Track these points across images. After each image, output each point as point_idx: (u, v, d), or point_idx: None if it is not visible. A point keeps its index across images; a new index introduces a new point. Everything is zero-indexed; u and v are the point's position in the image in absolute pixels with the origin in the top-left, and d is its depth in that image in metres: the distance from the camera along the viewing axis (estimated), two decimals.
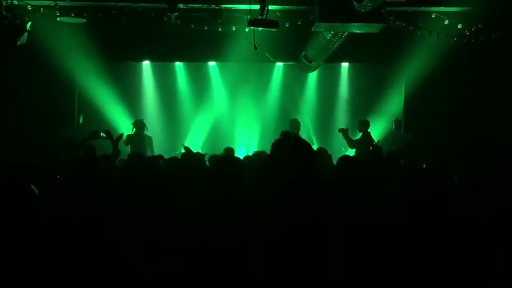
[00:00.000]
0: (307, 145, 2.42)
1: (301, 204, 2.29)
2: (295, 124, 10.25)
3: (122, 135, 7.73)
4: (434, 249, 2.99)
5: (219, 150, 8.01)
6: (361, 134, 10.09)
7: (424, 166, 6.60)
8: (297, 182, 2.32)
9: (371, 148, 9.30)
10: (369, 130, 10.07)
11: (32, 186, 2.76)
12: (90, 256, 3.03)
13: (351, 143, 9.93)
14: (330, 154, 8.72)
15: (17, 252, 2.58)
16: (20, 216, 2.63)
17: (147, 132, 10.41)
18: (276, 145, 2.45)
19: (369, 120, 10.52)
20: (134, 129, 10.29)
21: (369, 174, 4.76)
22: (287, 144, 2.41)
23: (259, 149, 11.01)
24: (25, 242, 2.60)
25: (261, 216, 2.31)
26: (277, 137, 2.65)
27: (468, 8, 8.25)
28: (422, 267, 2.91)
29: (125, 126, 11.28)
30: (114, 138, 7.34)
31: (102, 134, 7.51)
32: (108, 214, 3.67)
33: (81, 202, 3.86)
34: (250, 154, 7.56)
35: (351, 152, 9.96)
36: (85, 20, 8.87)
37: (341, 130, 9.95)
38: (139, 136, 10.21)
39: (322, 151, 7.33)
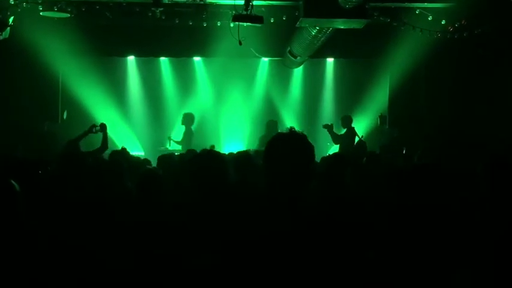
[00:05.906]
0: (309, 145, 2.29)
1: (294, 201, 2.25)
2: (273, 125, 9.98)
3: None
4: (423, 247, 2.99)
5: (205, 145, 7.96)
6: (345, 129, 10.15)
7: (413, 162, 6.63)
8: (292, 179, 2.24)
9: (356, 143, 9.36)
10: (352, 125, 10.14)
11: (12, 182, 2.74)
12: (70, 255, 3.01)
13: (336, 139, 9.99)
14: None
15: None
16: None
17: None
18: (274, 140, 2.31)
19: (354, 115, 10.56)
20: (183, 125, 10.16)
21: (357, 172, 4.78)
22: (286, 141, 2.28)
23: (245, 144, 11.09)
24: (2, 238, 2.58)
25: (250, 215, 2.26)
26: (262, 132, 2.55)
27: (451, 4, 8.33)
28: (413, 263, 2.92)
29: (109, 121, 11.21)
30: (107, 132, 7.40)
31: (97, 127, 7.52)
32: (90, 210, 3.66)
33: (64, 198, 3.84)
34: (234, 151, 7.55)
35: (335, 148, 10.01)
36: (69, 15, 8.78)
37: (326, 126, 9.99)
38: (187, 131, 10.07)
39: None
